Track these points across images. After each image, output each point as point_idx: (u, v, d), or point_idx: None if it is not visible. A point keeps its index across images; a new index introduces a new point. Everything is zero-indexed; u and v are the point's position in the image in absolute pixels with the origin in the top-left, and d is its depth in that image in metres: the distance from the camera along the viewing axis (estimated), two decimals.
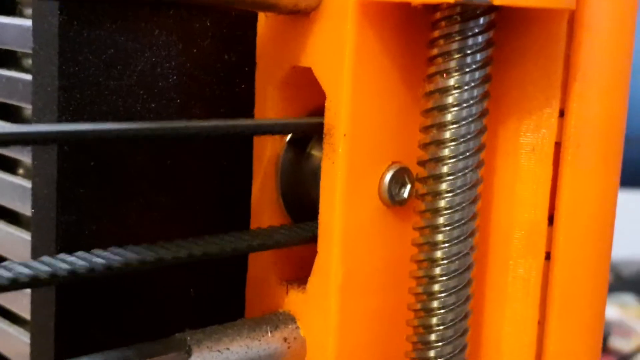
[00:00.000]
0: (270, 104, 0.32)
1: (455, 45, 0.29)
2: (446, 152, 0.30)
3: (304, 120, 0.32)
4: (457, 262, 0.30)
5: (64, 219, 0.29)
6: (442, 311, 0.30)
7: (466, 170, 0.30)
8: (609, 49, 0.30)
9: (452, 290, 0.30)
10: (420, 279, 0.31)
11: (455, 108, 0.29)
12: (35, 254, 0.30)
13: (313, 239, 0.31)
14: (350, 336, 0.31)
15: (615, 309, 1.01)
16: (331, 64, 0.30)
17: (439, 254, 0.30)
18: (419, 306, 0.31)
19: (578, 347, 0.32)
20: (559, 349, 0.31)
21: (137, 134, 0.26)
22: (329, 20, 0.30)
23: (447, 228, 0.30)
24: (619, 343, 0.95)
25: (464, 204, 0.30)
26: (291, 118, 0.32)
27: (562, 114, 0.30)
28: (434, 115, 0.30)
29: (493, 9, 0.29)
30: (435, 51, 0.29)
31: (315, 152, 0.33)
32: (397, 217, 0.31)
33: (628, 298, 1.08)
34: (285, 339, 0.31)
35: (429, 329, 0.31)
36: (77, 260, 0.26)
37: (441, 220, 0.30)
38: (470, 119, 0.29)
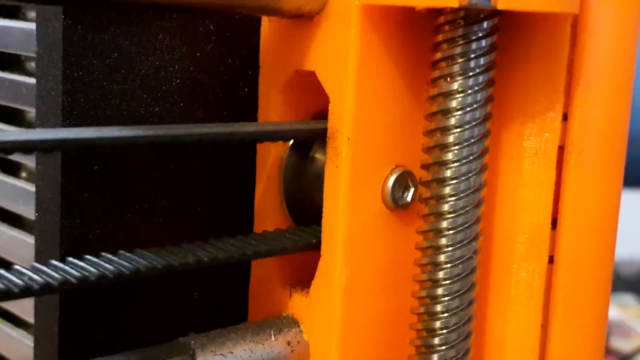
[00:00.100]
0: (273, 107, 0.32)
1: (458, 49, 0.29)
2: (450, 155, 0.30)
3: (307, 124, 0.32)
4: (460, 265, 0.30)
5: (68, 223, 0.29)
6: (445, 315, 0.30)
7: (470, 174, 0.30)
8: (612, 53, 0.30)
9: (456, 294, 0.30)
10: (423, 283, 0.31)
11: (459, 112, 0.29)
12: (39, 257, 0.30)
13: (316, 242, 0.31)
14: (354, 340, 0.31)
15: (615, 309, 1.01)
16: (335, 68, 0.30)
17: (442, 257, 0.30)
18: (422, 310, 0.31)
19: (581, 351, 0.32)
20: (562, 353, 0.31)
21: (141, 139, 0.26)
22: (333, 24, 0.30)
23: (451, 232, 0.30)
24: (619, 343, 0.95)
25: (467, 208, 0.30)
26: (295, 122, 0.32)
27: (565, 118, 0.30)
28: (437, 119, 0.30)
29: (496, 13, 0.29)
30: (438, 55, 0.29)
31: (318, 156, 0.33)
32: (400, 220, 0.31)
33: (628, 298, 1.08)
34: (288, 343, 0.31)
35: (432, 332, 0.31)
36: (85, 266, 0.26)
37: (445, 224, 0.30)
38: (473, 123, 0.29)
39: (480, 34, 0.29)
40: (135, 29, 0.29)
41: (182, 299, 0.32)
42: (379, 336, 0.32)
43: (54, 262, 0.26)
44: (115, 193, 0.30)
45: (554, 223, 0.31)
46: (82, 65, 0.29)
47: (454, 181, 0.30)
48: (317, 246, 0.31)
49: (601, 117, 0.31)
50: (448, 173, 0.30)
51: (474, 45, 0.29)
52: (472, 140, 0.29)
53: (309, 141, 0.33)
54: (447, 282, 0.30)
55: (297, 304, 0.32)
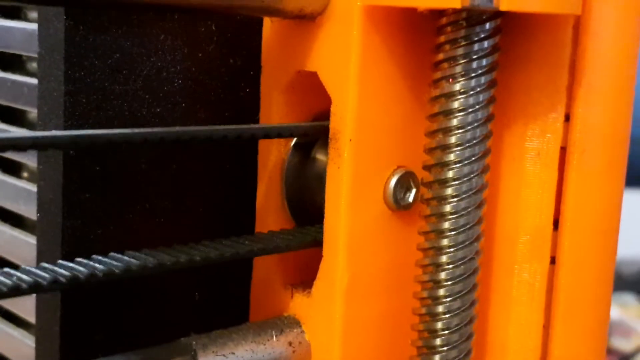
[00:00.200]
0: (275, 108, 0.32)
1: (461, 51, 0.29)
2: (452, 156, 0.30)
3: (309, 124, 0.32)
4: (462, 266, 0.30)
5: (69, 223, 0.29)
6: (447, 316, 0.30)
7: (471, 175, 0.30)
8: (614, 54, 0.30)
9: (457, 295, 0.30)
10: (425, 284, 0.31)
11: (461, 113, 0.29)
12: (41, 257, 0.30)
13: (318, 243, 0.31)
14: (355, 340, 0.31)
15: (616, 309, 1.01)
16: (337, 69, 0.30)
17: (444, 258, 0.30)
18: (424, 310, 0.31)
19: (583, 351, 0.32)
20: (563, 353, 0.32)
21: (142, 139, 0.26)
22: (335, 25, 0.30)
23: (453, 233, 0.30)
24: (619, 343, 0.95)
25: (469, 209, 0.30)
26: (296, 123, 0.32)
27: (567, 118, 0.30)
28: (439, 120, 0.30)
29: (499, 14, 0.29)
30: (441, 56, 0.29)
31: (320, 157, 0.33)
32: (402, 221, 0.31)
33: (628, 298, 1.08)
34: (290, 343, 0.31)
35: (434, 333, 0.31)
36: (77, 267, 0.26)
37: (446, 224, 0.30)
38: (475, 124, 0.29)
39: (482, 35, 0.29)
40: (137, 29, 0.29)
41: (184, 299, 0.32)
42: (380, 337, 0.32)
43: (45, 264, 0.26)
44: (117, 193, 0.30)
45: (556, 224, 0.31)
46: (83, 65, 0.29)
47: (456, 182, 0.30)
48: (316, 244, 0.31)
49: (603, 118, 0.31)
50: (450, 174, 0.30)
51: (476, 47, 0.29)
52: (474, 141, 0.29)
53: (311, 142, 0.33)
54: (449, 282, 0.30)
55: (299, 305, 0.32)
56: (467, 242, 0.30)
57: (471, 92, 0.29)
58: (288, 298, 0.32)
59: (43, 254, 0.30)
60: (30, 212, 0.32)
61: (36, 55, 0.29)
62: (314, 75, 0.30)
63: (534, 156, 0.31)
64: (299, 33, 0.31)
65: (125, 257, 0.27)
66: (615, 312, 1.00)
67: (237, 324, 0.31)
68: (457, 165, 0.30)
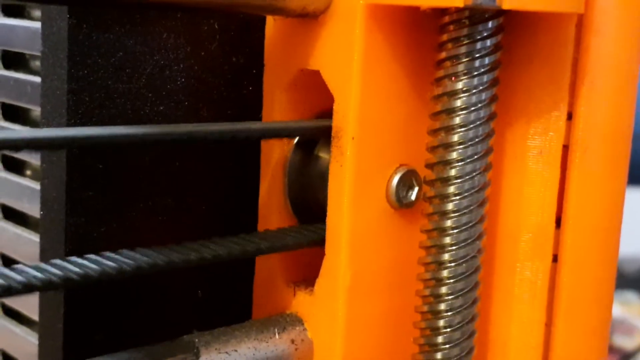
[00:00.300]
0: (278, 106, 0.32)
1: (463, 49, 0.29)
2: (454, 155, 0.30)
3: (311, 123, 0.32)
4: (464, 264, 0.30)
5: (72, 221, 0.29)
6: (449, 313, 0.30)
7: (474, 173, 0.30)
8: (616, 53, 0.30)
9: (459, 293, 0.30)
10: (427, 281, 0.31)
11: (464, 111, 0.29)
12: (44, 255, 0.30)
13: (321, 241, 0.31)
14: (358, 338, 0.31)
15: (618, 307, 1.01)
16: (339, 67, 0.30)
17: (446, 256, 0.30)
18: (426, 308, 0.31)
19: (585, 349, 0.32)
20: (565, 351, 0.32)
21: (145, 137, 0.26)
22: (338, 23, 0.30)
23: (455, 231, 0.30)
24: (621, 341, 0.95)
25: (471, 207, 0.30)
26: (299, 121, 0.32)
27: (569, 117, 0.30)
28: (442, 118, 0.30)
29: (501, 12, 0.29)
30: (443, 54, 0.29)
31: (322, 155, 0.33)
32: (404, 219, 0.31)
33: (630, 296, 1.08)
34: (292, 341, 0.31)
35: (436, 331, 0.31)
36: (89, 264, 0.26)
37: (449, 222, 0.30)
38: (478, 122, 0.29)
39: (485, 34, 0.29)
40: (140, 28, 0.29)
41: (187, 297, 0.32)
42: (382, 334, 0.32)
43: (55, 260, 0.26)
44: (120, 191, 0.30)
45: (558, 222, 0.31)
46: (87, 64, 0.29)
47: (458, 180, 0.30)
48: (319, 242, 0.31)
49: (606, 116, 0.31)
50: (452, 172, 0.30)
51: (478, 45, 0.29)
52: (477, 140, 0.29)
53: (313, 140, 0.33)
54: (451, 280, 0.30)
55: (301, 302, 0.32)
56: (469, 240, 0.30)
57: (474, 91, 0.29)
58: (290, 296, 0.32)
59: (46, 252, 0.30)
60: (33, 209, 0.32)
61: (39, 54, 0.29)
62: (316, 74, 0.30)
63: (536, 154, 0.31)
64: (301, 31, 0.31)
65: (135, 255, 0.27)
66: (617, 310, 1.00)
67: (239, 321, 0.31)
68: (460, 163, 0.30)
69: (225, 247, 0.29)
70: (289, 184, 0.33)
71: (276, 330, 0.31)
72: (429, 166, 0.30)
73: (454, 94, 0.29)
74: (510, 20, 0.30)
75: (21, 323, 0.34)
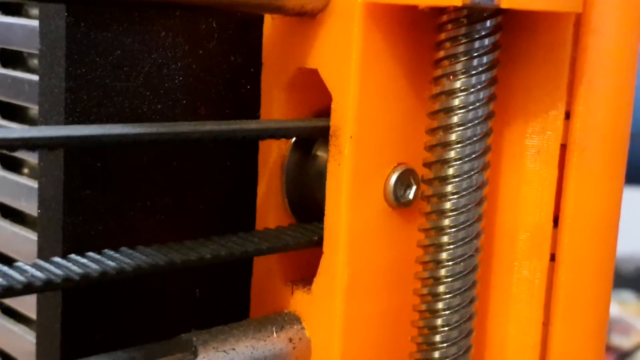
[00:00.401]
0: (276, 105, 0.32)
1: (461, 48, 0.29)
2: (452, 154, 0.30)
3: (310, 121, 0.32)
4: (462, 263, 0.30)
5: (70, 219, 0.29)
6: (447, 312, 0.30)
7: (472, 172, 0.30)
8: (614, 52, 0.30)
9: (457, 292, 0.30)
10: (425, 280, 0.31)
11: (462, 110, 0.29)
12: (42, 254, 0.30)
13: (318, 240, 0.31)
14: (355, 337, 0.31)
15: (615, 306, 1.01)
16: (338, 66, 0.30)
17: (444, 255, 0.30)
18: (424, 307, 0.31)
19: (582, 349, 0.32)
20: (563, 350, 0.32)
21: (143, 136, 0.26)
22: (336, 22, 0.30)
23: (453, 230, 0.30)
24: (618, 340, 0.95)
25: (469, 206, 0.30)
26: (297, 120, 0.32)
27: (567, 116, 0.30)
28: (440, 117, 0.30)
29: (499, 11, 0.29)
30: (441, 53, 0.29)
31: (321, 154, 0.33)
32: (402, 218, 0.31)
33: (627, 295, 1.08)
34: (290, 340, 0.31)
35: (433, 330, 0.31)
36: (90, 263, 0.26)
37: (446, 222, 0.30)
38: (476, 121, 0.29)
39: (483, 33, 0.29)
40: (138, 26, 0.29)
41: (185, 296, 0.32)
42: (380, 333, 0.32)
43: (55, 259, 0.26)
44: (118, 190, 0.30)
45: (556, 221, 0.31)
46: (85, 62, 0.29)
47: (456, 179, 0.30)
48: (319, 243, 0.31)
49: (603, 115, 0.31)
50: (450, 171, 0.30)
51: (476, 44, 0.29)
52: (475, 139, 0.30)
53: (311, 139, 0.33)
54: (449, 279, 0.30)
55: (299, 301, 0.32)
56: (467, 239, 0.30)
57: (472, 90, 0.29)
58: (288, 294, 0.32)
59: (44, 251, 0.30)
60: (31, 208, 0.32)
61: (37, 52, 0.29)
62: (314, 73, 0.30)
63: (534, 154, 0.31)
64: (299, 30, 0.31)
65: (136, 254, 0.27)
66: (614, 310, 1.00)
67: (237, 320, 0.31)
68: (458, 162, 0.30)
69: (223, 247, 0.29)
70: (287, 183, 0.33)
71: (274, 329, 0.31)
72: (427, 165, 0.31)
73: (452, 92, 0.29)
74: (509, 20, 0.30)
75: (19, 322, 0.34)
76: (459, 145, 0.29)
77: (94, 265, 0.26)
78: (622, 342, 0.95)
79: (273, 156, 0.33)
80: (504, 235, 0.32)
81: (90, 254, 0.27)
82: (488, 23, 0.29)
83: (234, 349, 0.30)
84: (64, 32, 0.28)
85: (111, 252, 0.27)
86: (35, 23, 0.30)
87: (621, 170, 0.31)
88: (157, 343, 0.29)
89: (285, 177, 0.33)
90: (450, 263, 0.30)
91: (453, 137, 0.30)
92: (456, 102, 0.29)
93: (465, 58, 0.29)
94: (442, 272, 0.30)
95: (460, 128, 0.29)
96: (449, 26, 0.29)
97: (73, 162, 0.29)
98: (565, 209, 0.31)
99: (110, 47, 0.29)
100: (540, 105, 0.31)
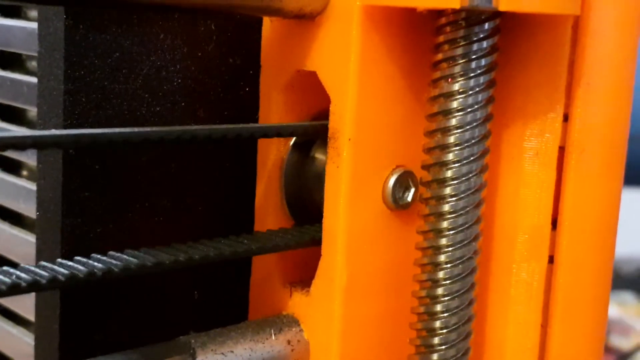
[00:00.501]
0: (274, 107, 0.32)
1: (460, 51, 0.29)
2: (450, 156, 0.30)
3: (308, 124, 0.32)
4: (460, 265, 0.30)
5: (68, 221, 0.29)
6: (445, 314, 0.30)
7: (470, 175, 0.30)
8: (613, 54, 0.30)
9: (456, 294, 0.30)
10: (423, 283, 0.31)
11: (460, 113, 0.29)
12: (40, 256, 0.30)
13: (317, 242, 0.31)
14: (354, 339, 0.31)
15: (615, 307, 1.01)
16: (336, 68, 0.30)
17: (442, 257, 0.30)
18: (422, 309, 0.31)
19: (581, 351, 0.32)
20: (561, 352, 0.32)
21: (141, 138, 0.26)
22: (334, 24, 0.30)
23: (451, 232, 0.30)
24: (618, 341, 0.95)
25: (467, 208, 0.30)
26: (295, 122, 0.32)
27: (566, 118, 0.30)
28: (438, 119, 0.30)
29: (498, 14, 0.29)
30: (440, 56, 0.29)
31: (319, 156, 0.33)
32: (401, 220, 0.31)
33: (627, 296, 1.08)
34: (289, 342, 0.31)
35: (432, 332, 0.31)
36: (77, 265, 0.26)
37: (445, 224, 0.30)
38: (474, 124, 0.29)
39: (481, 35, 0.29)
40: (136, 28, 0.29)
41: (183, 298, 0.32)
42: (379, 335, 0.32)
43: (44, 262, 0.26)
44: (116, 192, 0.30)
45: (554, 223, 0.31)
46: (83, 64, 0.29)
47: (455, 182, 0.30)
48: (315, 243, 0.31)
49: (602, 117, 0.31)
50: (449, 173, 0.30)
51: (475, 46, 0.29)
52: (473, 141, 0.30)
53: (310, 141, 0.33)
54: (447, 282, 0.30)
55: (298, 303, 0.32)
56: (465, 242, 0.30)
57: (470, 92, 0.29)
58: (287, 297, 0.32)
59: (42, 253, 0.30)
60: (29, 210, 0.32)
61: (36, 54, 0.29)
62: (313, 75, 0.30)
63: (532, 156, 0.31)
64: (298, 33, 0.31)
65: (124, 256, 0.27)
66: (614, 311, 1.00)
67: (236, 322, 0.31)
68: (456, 164, 0.30)
69: (221, 249, 0.29)
70: (285, 185, 0.33)
71: (272, 331, 0.31)
72: (426, 167, 0.31)
73: (450, 95, 0.29)
74: (507, 22, 0.30)
75: (17, 324, 0.34)
76: (458, 148, 0.30)
77: (90, 267, 0.26)
78: (622, 343, 0.95)
79: (272, 158, 0.33)
80: (503, 237, 0.32)
81: (91, 255, 0.27)
82: (486, 25, 0.29)
83: (232, 352, 0.30)
84: (63, 35, 0.28)
85: (108, 254, 0.27)
86: (34, 25, 0.30)
87: (619, 172, 0.31)
88: (155, 345, 0.29)
89: (283, 179, 0.33)
90: (449, 265, 0.30)
91: (451, 139, 0.30)
92: (454, 104, 0.29)
93: (463, 60, 0.29)
94: (441, 274, 0.30)
95: (459, 130, 0.29)
96: (448, 29, 0.29)
97: (72, 164, 0.29)
98: (563, 211, 0.31)
99: (109, 49, 0.29)
100: (538, 107, 0.31)
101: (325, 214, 0.30)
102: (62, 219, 0.29)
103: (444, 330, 0.31)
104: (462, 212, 0.30)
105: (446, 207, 0.30)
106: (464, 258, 0.30)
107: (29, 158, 0.32)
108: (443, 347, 0.31)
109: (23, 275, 0.25)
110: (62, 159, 0.29)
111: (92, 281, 0.26)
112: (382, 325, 0.32)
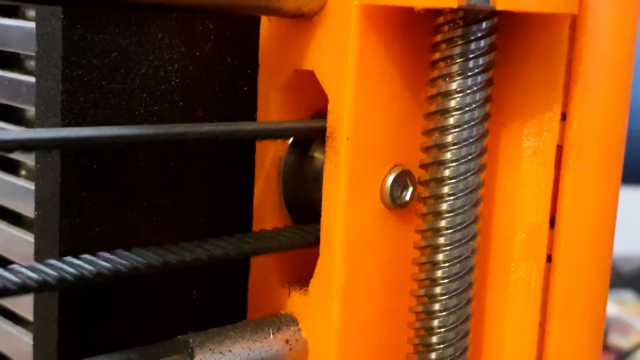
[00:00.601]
0: (272, 107, 0.32)
1: (457, 50, 0.29)
2: (448, 155, 0.30)
3: (306, 123, 0.32)
4: (458, 265, 0.30)
5: (67, 221, 0.29)
6: (443, 313, 0.30)
7: (468, 174, 0.30)
8: (610, 53, 0.30)
9: (454, 293, 0.30)
10: (421, 282, 0.31)
11: (458, 112, 0.29)
12: (39, 256, 0.30)
13: (315, 241, 0.31)
14: (352, 338, 0.31)
15: (614, 306, 1.01)
16: (334, 68, 0.30)
17: (440, 256, 0.30)
18: (420, 308, 0.31)
19: (579, 349, 0.32)
20: (559, 351, 0.32)
21: (140, 138, 0.26)
22: (332, 24, 0.30)
23: (449, 231, 0.30)
24: (617, 340, 0.95)
25: (465, 207, 0.30)
26: (294, 121, 0.33)
27: (564, 117, 0.30)
28: (436, 118, 0.30)
29: (495, 13, 0.29)
30: (437, 55, 0.29)
31: (317, 155, 0.33)
32: (399, 219, 0.32)
33: (627, 295, 1.08)
34: (287, 341, 0.31)
35: (430, 331, 0.31)
36: (84, 264, 0.26)
37: (443, 223, 0.30)
38: (472, 123, 0.29)
39: (479, 34, 0.29)
40: (134, 28, 0.29)
41: (181, 298, 0.32)
42: (377, 334, 0.32)
43: (50, 260, 0.26)
44: (115, 192, 0.30)
45: (552, 222, 0.31)
46: (81, 64, 0.29)
47: (453, 180, 0.30)
48: (314, 242, 0.31)
49: (600, 116, 0.31)
50: (446, 172, 0.30)
51: (472, 46, 0.29)
52: (471, 140, 0.30)
53: (308, 140, 0.33)
54: (445, 280, 0.30)
55: (296, 303, 0.32)
56: (463, 241, 0.30)
57: (468, 91, 0.29)
58: (285, 296, 0.32)
59: (41, 252, 0.30)
60: (28, 210, 0.32)
61: (34, 54, 0.29)
62: (311, 74, 0.30)
63: (530, 155, 0.31)
64: (296, 32, 0.31)
65: (132, 255, 0.27)
66: (613, 309, 1.00)
67: (234, 322, 0.31)
68: (454, 163, 0.30)
69: (220, 248, 0.29)
70: (283, 184, 0.33)
71: (271, 330, 0.31)
72: (424, 166, 0.31)
73: (448, 94, 0.29)
74: (505, 21, 0.30)
75: (16, 323, 0.34)
76: (455, 147, 0.30)
77: (89, 267, 0.26)
78: (622, 342, 0.95)
79: (270, 157, 0.33)
80: (501, 236, 0.32)
81: (86, 255, 0.27)
82: (484, 25, 0.29)
83: (230, 351, 0.30)
84: (61, 34, 0.28)
85: (107, 254, 0.27)
86: (32, 25, 0.30)
87: (617, 171, 0.31)
88: (153, 344, 0.29)
89: (282, 178, 0.33)
90: (447, 264, 0.30)
91: (449, 138, 0.30)
92: (452, 103, 0.29)
93: (461, 60, 0.29)
94: (439, 273, 0.30)
95: (457, 129, 0.29)
96: (445, 28, 0.29)
97: (70, 163, 0.29)
98: (561, 210, 0.31)
99: (107, 49, 0.29)
100: (536, 106, 0.31)
101: (323, 213, 0.30)
102: (61, 219, 0.29)
103: (442, 329, 0.31)
104: (460, 211, 0.30)
105: (444, 206, 0.30)
106: (462, 257, 0.30)
107: (28, 158, 0.33)
108: (441, 346, 0.31)
109: (32, 274, 0.25)
110: (61, 159, 0.29)
111: (93, 282, 0.26)
112: (380, 324, 0.32)
